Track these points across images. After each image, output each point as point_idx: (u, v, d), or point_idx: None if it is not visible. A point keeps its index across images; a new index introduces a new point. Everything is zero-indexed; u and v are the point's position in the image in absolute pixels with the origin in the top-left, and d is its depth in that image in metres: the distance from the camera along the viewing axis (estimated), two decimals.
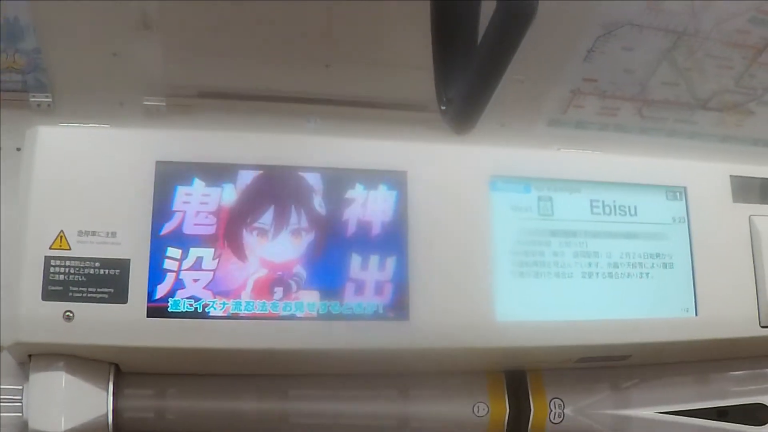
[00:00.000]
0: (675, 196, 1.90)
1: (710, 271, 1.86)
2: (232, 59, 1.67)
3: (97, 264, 1.57)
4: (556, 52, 1.66)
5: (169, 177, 1.64)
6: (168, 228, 1.63)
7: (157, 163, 1.64)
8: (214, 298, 1.62)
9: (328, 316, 1.66)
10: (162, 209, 1.63)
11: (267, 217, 1.68)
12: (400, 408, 1.86)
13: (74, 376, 1.59)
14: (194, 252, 1.63)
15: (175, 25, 1.57)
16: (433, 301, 1.70)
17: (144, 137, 1.68)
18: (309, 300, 1.66)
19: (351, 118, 1.84)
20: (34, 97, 1.70)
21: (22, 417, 1.59)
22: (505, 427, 1.88)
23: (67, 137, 1.64)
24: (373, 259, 1.71)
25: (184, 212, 1.64)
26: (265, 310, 1.64)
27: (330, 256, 1.69)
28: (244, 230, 1.67)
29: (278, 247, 1.67)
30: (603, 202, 1.86)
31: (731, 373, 2.05)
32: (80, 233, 1.58)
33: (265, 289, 1.65)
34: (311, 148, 1.75)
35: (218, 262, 1.64)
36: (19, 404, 1.60)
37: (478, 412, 1.87)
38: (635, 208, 1.87)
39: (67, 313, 1.54)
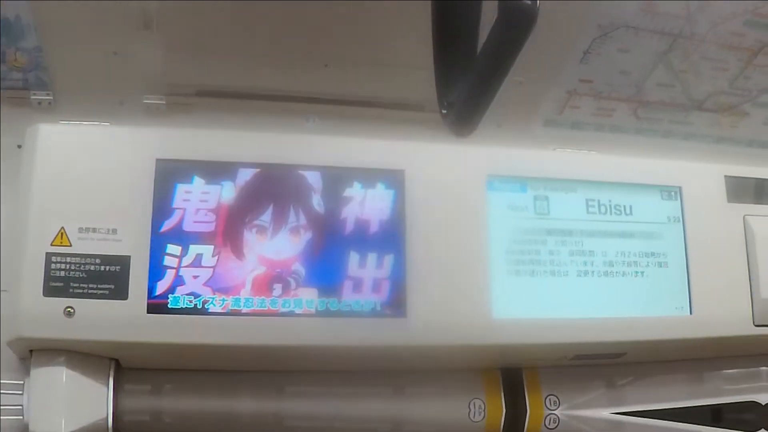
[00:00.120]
0: (670, 195, 1.92)
1: (705, 270, 1.88)
2: (232, 59, 1.68)
3: (97, 260, 1.59)
4: (553, 54, 1.67)
5: (169, 175, 1.66)
6: (168, 225, 1.64)
7: (157, 160, 1.65)
8: (214, 294, 1.64)
9: (326, 313, 1.67)
10: (162, 206, 1.64)
11: (266, 215, 1.70)
12: (396, 405, 1.87)
13: (75, 372, 1.60)
14: (194, 249, 1.65)
15: (176, 25, 1.58)
16: (430, 298, 1.72)
17: (144, 135, 1.69)
18: (307, 297, 1.68)
19: (349, 118, 1.85)
20: (35, 95, 1.70)
21: (23, 420, 1.60)
22: (502, 426, 1.89)
23: (68, 135, 1.66)
24: (371, 257, 1.72)
25: (184, 209, 1.66)
26: (264, 307, 1.65)
27: (328, 254, 1.71)
28: (244, 228, 1.68)
29: (277, 244, 1.69)
30: (599, 201, 1.88)
31: (725, 371, 2.07)
32: (81, 230, 1.59)
33: (264, 286, 1.66)
34: (310, 147, 1.76)
35: (218, 259, 1.65)
36: (20, 400, 1.62)
37: (474, 409, 1.88)
38: (630, 207, 1.89)
39: (67, 309, 1.56)
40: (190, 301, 1.62)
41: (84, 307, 1.56)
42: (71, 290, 1.56)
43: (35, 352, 1.61)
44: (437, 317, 1.71)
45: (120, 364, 1.69)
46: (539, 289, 1.80)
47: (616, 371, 2.00)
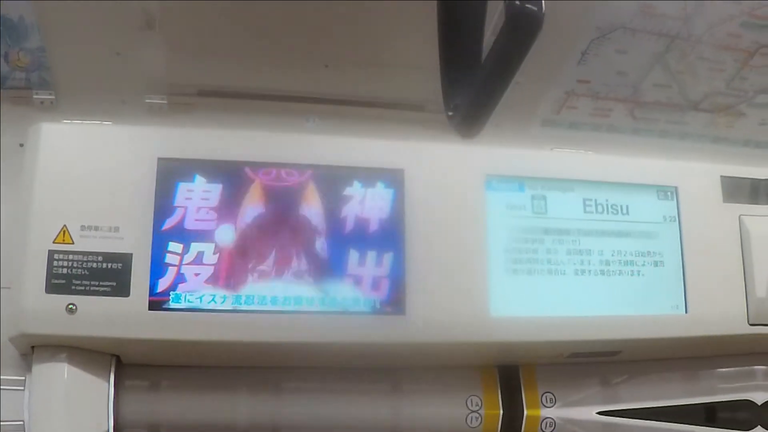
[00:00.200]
0: (666, 195, 1.94)
1: (700, 269, 1.90)
2: (233, 59, 1.69)
3: (99, 258, 1.60)
4: (551, 55, 1.68)
5: (170, 173, 1.67)
6: (169, 223, 1.66)
7: (159, 159, 1.67)
8: (215, 292, 1.65)
9: (326, 311, 1.69)
10: (163, 205, 1.66)
11: (266, 214, 1.71)
12: (394, 401, 1.89)
13: (76, 368, 1.62)
14: (195, 247, 1.66)
15: (178, 25, 1.58)
16: (429, 296, 1.73)
17: (146, 134, 1.70)
18: (308, 294, 1.69)
19: (349, 117, 1.85)
20: (37, 94, 1.71)
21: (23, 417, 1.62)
22: (500, 423, 1.91)
23: (70, 134, 1.67)
24: (371, 255, 1.74)
25: (186, 208, 1.67)
26: (265, 304, 1.67)
27: (328, 252, 1.72)
28: (244, 226, 1.69)
29: (277, 242, 1.70)
30: (596, 201, 1.89)
31: (720, 369, 2.09)
32: (83, 228, 1.60)
33: (265, 283, 1.68)
34: (310, 146, 1.78)
35: (219, 257, 1.67)
36: (21, 396, 1.63)
37: (471, 405, 1.90)
38: (627, 207, 1.91)
39: (70, 306, 1.57)
40: (192, 299, 1.64)
41: (86, 304, 1.58)
42: (73, 287, 1.58)
43: (37, 348, 1.62)
44: (436, 315, 1.73)
45: (121, 361, 1.70)
46: (537, 287, 1.81)
47: (612, 369, 2.01)
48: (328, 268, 1.72)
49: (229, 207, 1.69)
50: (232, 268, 1.67)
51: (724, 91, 1.86)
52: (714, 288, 1.90)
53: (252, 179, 1.71)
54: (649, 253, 1.89)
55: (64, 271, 1.58)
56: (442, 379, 1.91)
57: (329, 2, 1.56)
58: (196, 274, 1.65)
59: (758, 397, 2.06)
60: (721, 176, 1.97)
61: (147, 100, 1.75)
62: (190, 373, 1.78)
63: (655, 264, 1.89)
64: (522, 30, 1.13)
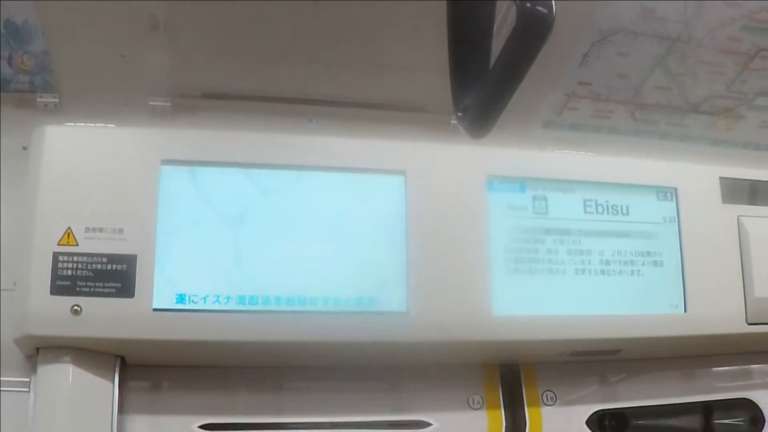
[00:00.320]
0: (666, 196, 1.95)
1: (699, 269, 1.91)
2: (237, 61, 1.69)
3: (104, 259, 1.61)
4: (553, 57, 1.68)
5: (174, 175, 1.67)
6: (173, 224, 1.66)
7: (163, 161, 1.68)
8: (219, 292, 1.66)
9: (329, 310, 1.70)
10: (167, 206, 1.66)
11: (270, 214, 1.72)
12: (395, 399, 1.90)
13: (81, 369, 1.63)
14: (199, 247, 1.66)
15: (182, 27, 1.59)
16: (431, 296, 1.75)
17: (149, 136, 1.71)
18: (311, 294, 1.70)
19: (352, 119, 1.86)
20: (41, 97, 1.71)
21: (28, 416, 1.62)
22: (503, 417, 1.93)
23: (74, 136, 1.67)
24: (374, 256, 1.75)
25: (189, 209, 1.67)
26: (269, 304, 1.68)
27: (331, 253, 1.73)
28: (248, 226, 1.70)
29: (280, 242, 1.71)
30: (596, 201, 1.91)
31: (719, 369, 2.11)
32: (87, 230, 1.61)
33: (268, 283, 1.69)
34: (313, 148, 1.78)
35: (223, 257, 1.67)
36: (26, 398, 1.64)
37: (473, 404, 1.92)
38: (627, 207, 1.92)
39: (74, 307, 1.58)
40: (196, 299, 1.65)
41: (90, 305, 1.58)
42: (78, 289, 1.59)
43: (42, 350, 1.63)
44: (438, 314, 1.74)
45: (125, 362, 1.71)
46: (538, 286, 1.83)
47: (611, 368, 2.03)
48: (331, 268, 1.72)
49: (232, 207, 1.70)
50: (237, 269, 1.68)
51: (724, 94, 1.87)
52: (713, 288, 1.91)
53: (255, 180, 1.72)
54: (648, 253, 1.90)
55: (69, 272, 1.59)
56: (443, 377, 1.93)
57: (332, 4, 1.56)
58: (201, 275, 1.66)
59: (757, 396, 2.08)
60: (720, 177, 1.98)
61: (151, 103, 1.75)
62: (194, 373, 1.79)
63: (655, 264, 1.90)
64: (533, 31, 1.13)
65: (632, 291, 1.88)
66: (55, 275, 1.58)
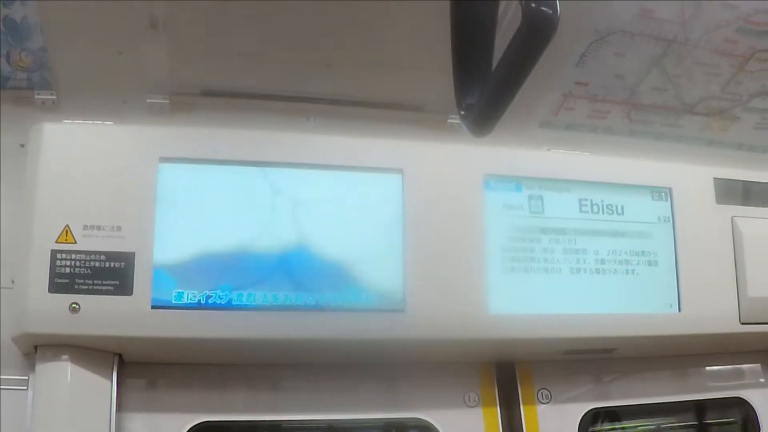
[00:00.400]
0: (660, 196, 1.97)
1: (693, 269, 1.93)
2: (235, 59, 1.69)
3: (102, 257, 1.61)
4: (551, 57, 1.69)
5: (172, 172, 1.68)
6: (171, 222, 1.66)
7: (161, 159, 1.68)
8: (217, 289, 1.66)
9: (327, 308, 1.71)
10: (165, 204, 1.66)
11: (268, 212, 1.73)
12: (391, 397, 1.91)
13: (79, 366, 1.63)
14: (197, 245, 1.66)
15: (180, 25, 1.58)
16: (428, 294, 1.76)
17: (147, 134, 1.71)
18: (308, 291, 1.71)
19: (350, 118, 1.86)
20: (39, 94, 1.71)
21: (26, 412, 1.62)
22: (499, 417, 1.94)
23: (72, 134, 1.68)
24: (371, 254, 1.76)
25: (187, 207, 1.68)
26: (267, 302, 1.69)
27: (329, 250, 1.74)
28: (247, 224, 1.71)
29: (279, 241, 1.72)
30: (591, 201, 1.92)
31: (712, 368, 2.13)
32: (85, 227, 1.61)
33: (267, 281, 1.70)
34: (311, 146, 1.79)
35: (220, 255, 1.67)
36: (24, 396, 1.64)
37: (468, 402, 1.93)
38: (622, 207, 1.94)
39: (73, 305, 1.58)
40: (194, 297, 1.65)
41: (89, 302, 1.59)
42: (76, 286, 1.59)
43: (40, 348, 1.63)
44: (435, 312, 1.76)
45: (123, 359, 1.71)
46: (534, 285, 1.84)
47: (606, 366, 2.05)
48: (329, 266, 1.73)
49: (230, 206, 1.70)
50: (234, 266, 1.68)
51: (719, 95, 1.88)
52: (707, 287, 1.93)
53: (253, 178, 1.72)
54: (643, 252, 1.92)
55: (67, 270, 1.59)
56: (439, 375, 1.94)
57: (332, 4, 1.56)
58: (199, 272, 1.66)
59: (749, 395, 2.10)
60: (715, 178, 2.00)
61: (149, 100, 1.75)
62: (192, 370, 1.79)
63: (649, 263, 1.92)
64: (538, 31, 1.14)
65: (627, 290, 1.89)
66: (54, 273, 1.58)
